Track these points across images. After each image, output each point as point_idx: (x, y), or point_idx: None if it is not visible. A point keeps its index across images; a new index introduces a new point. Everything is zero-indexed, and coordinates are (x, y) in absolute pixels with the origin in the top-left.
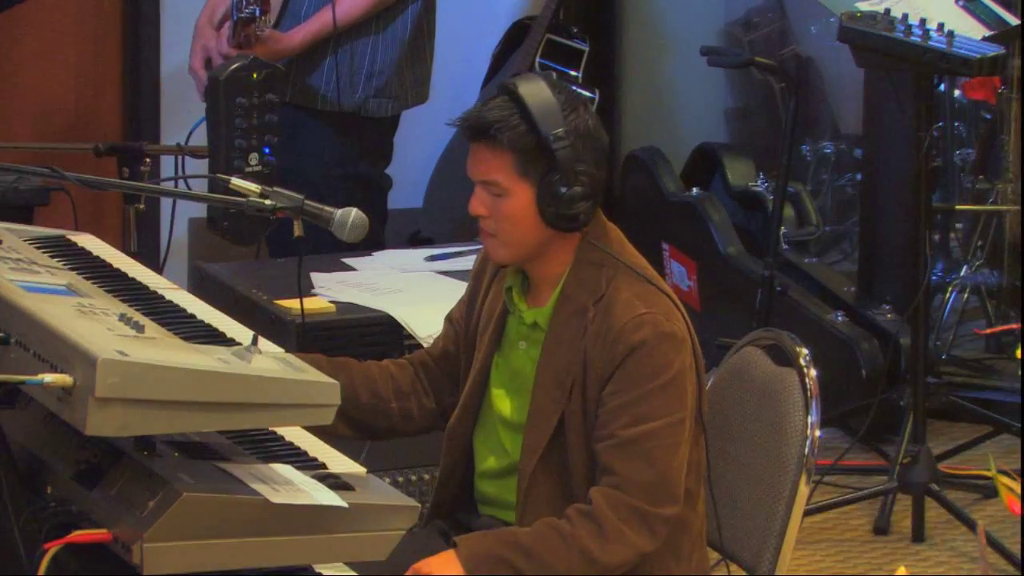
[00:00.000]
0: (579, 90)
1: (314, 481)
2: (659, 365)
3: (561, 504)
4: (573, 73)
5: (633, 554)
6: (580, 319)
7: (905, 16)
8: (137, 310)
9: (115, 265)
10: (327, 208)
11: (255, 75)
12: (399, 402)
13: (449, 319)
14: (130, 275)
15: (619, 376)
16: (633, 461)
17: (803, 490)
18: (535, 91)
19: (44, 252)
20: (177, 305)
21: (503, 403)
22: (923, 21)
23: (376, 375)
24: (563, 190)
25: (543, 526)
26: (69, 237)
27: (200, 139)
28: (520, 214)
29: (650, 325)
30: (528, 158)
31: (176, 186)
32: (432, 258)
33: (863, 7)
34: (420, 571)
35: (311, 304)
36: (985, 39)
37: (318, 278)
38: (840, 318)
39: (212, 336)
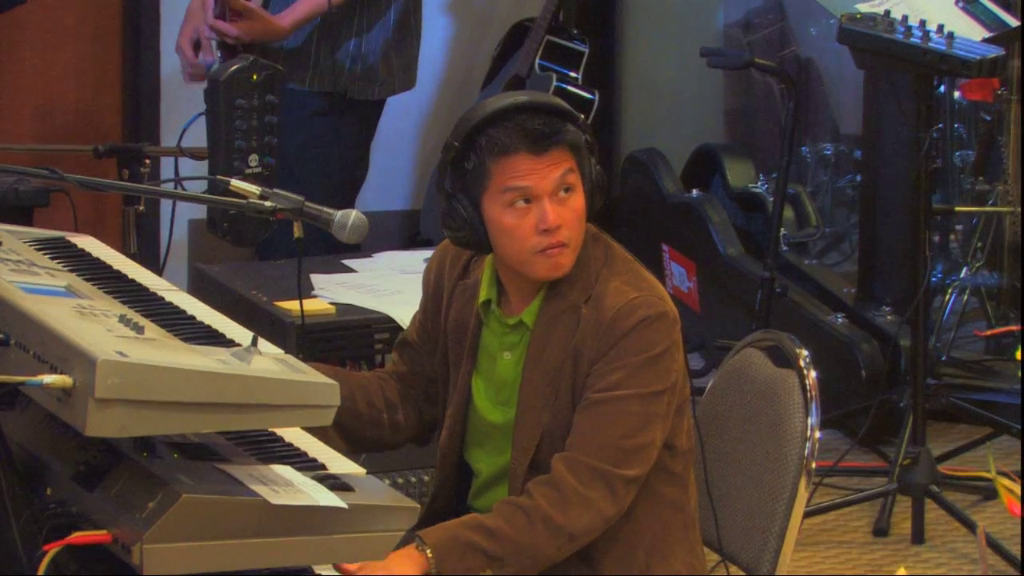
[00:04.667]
0: (579, 91)
1: (314, 482)
2: (646, 342)
3: None
4: (573, 74)
5: (596, 517)
6: (570, 317)
7: (905, 17)
8: (137, 311)
9: (115, 266)
10: (326, 209)
11: (255, 76)
12: (389, 413)
13: (406, 344)
14: (130, 276)
15: (608, 354)
16: (596, 421)
17: (803, 491)
18: (549, 97)
19: (44, 253)
20: (177, 306)
21: (493, 414)
22: (923, 22)
23: (368, 385)
24: (605, 175)
25: (503, 505)
26: (69, 238)
27: (192, 139)
28: (583, 211)
29: (644, 307)
30: (579, 153)
31: (176, 188)
32: None
33: (863, 8)
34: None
35: (311, 306)
36: (985, 40)
37: (318, 280)
38: (840, 319)
39: (212, 337)
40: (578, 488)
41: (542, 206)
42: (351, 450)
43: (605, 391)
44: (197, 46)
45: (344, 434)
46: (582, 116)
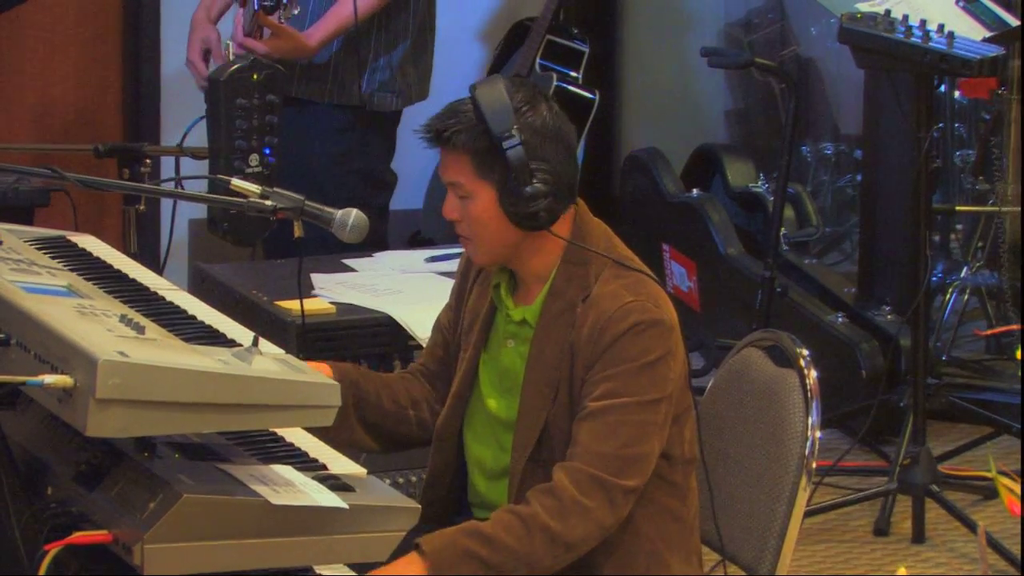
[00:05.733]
0: (579, 91)
1: (314, 482)
2: (642, 348)
3: None
4: (573, 74)
5: (594, 527)
6: (569, 316)
7: (905, 17)
8: (137, 311)
9: (115, 266)
10: (327, 209)
11: (255, 76)
12: (415, 409)
13: (438, 327)
14: (130, 276)
15: (602, 359)
16: (596, 431)
17: (803, 491)
18: (490, 92)
19: (44, 253)
20: (177, 306)
21: (496, 402)
22: (923, 22)
23: (393, 383)
24: (522, 189)
25: (503, 512)
26: (69, 238)
27: (193, 138)
28: (486, 215)
29: (638, 312)
30: (485, 160)
31: (176, 187)
32: (432, 259)
33: (863, 8)
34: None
35: (311, 305)
36: (985, 40)
37: (318, 279)
38: (840, 319)
39: (212, 337)
40: (577, 497)
41: (447, 194)
42: (383, 449)
43: (602, 399)
44: (206, 56)
45: (374, 433)
46: (516, 125)
